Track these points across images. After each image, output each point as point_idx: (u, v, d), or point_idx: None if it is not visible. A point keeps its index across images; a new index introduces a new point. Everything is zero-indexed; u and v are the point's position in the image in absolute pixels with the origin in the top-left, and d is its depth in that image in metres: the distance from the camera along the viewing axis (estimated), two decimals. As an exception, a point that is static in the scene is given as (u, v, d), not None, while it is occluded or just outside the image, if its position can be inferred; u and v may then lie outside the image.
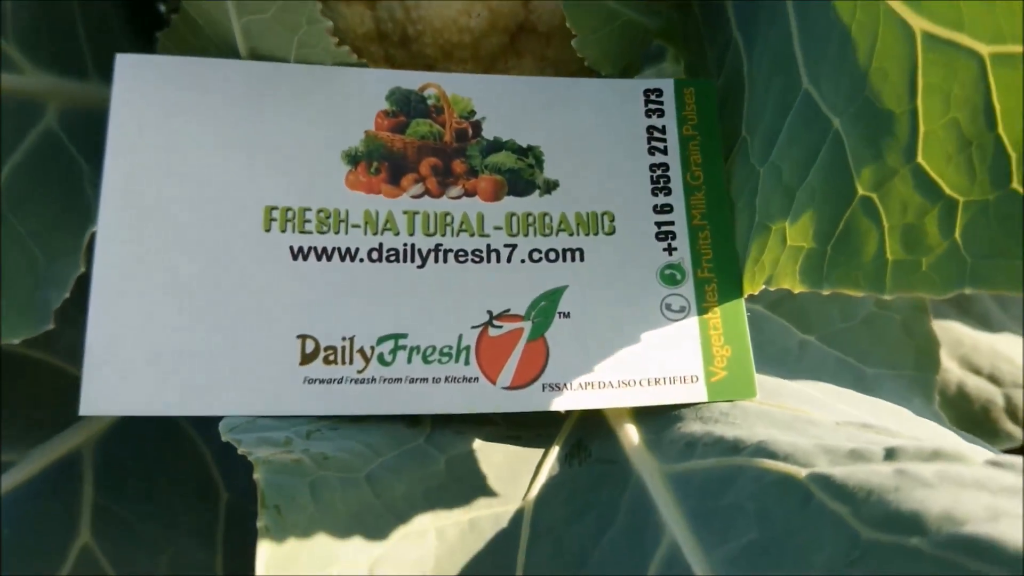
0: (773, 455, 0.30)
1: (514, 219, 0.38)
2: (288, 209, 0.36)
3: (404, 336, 0.36)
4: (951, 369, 0.58)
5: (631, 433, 0.36)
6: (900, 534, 0.24)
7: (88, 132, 0.41)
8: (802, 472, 0.28)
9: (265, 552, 0.29)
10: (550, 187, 0.39)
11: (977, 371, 0.59)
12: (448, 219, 0.38)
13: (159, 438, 0.45)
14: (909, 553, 0.23)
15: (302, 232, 0.36)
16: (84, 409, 0.34)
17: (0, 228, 0.37)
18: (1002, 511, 0.23)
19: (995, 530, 0.22)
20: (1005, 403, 0.57)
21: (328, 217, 0.37)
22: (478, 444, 0.36)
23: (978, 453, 0.27)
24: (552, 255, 0.37)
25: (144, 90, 0.37)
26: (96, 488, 0.43)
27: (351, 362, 0.35)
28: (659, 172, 0.39)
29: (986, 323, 0.62)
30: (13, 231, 0.38)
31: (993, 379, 0.58)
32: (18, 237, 0.38)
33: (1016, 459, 0.26)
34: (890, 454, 0.28)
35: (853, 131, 0.34)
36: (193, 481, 0.45)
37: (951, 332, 0.61)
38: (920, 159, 0.32)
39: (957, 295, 0.64)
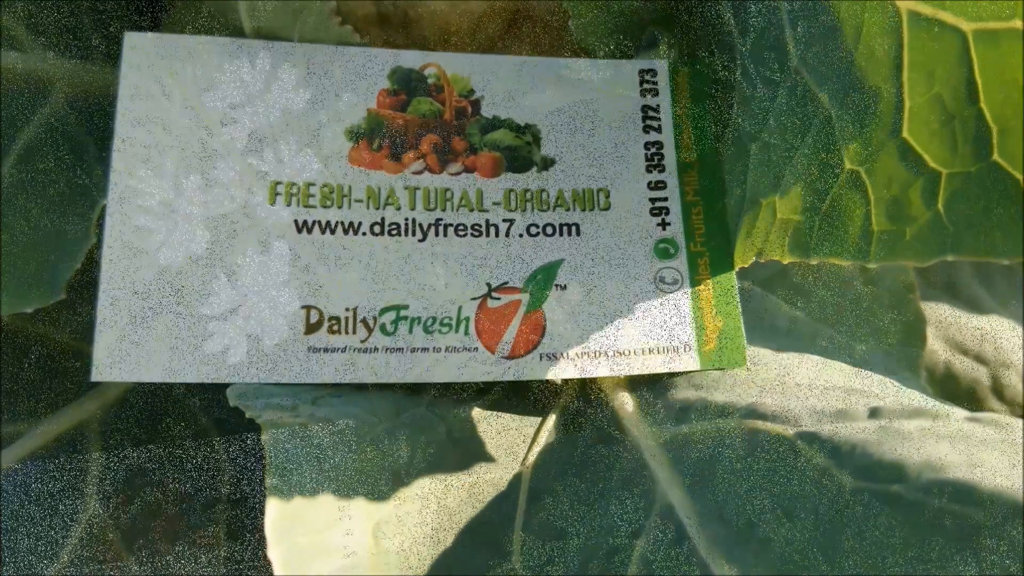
0: (763, 416, 0.31)
1: (512, 195, 0.39)
2: (293, 184, 0.37)
3: (405, 307, 0.37)
4: (939, 350, 0.60)
5: (626, 401, 0.37)
6: (883, 483, 0.25)
7: (95, 110, 0.42)
8: (790, 431, 0.30)
9: (273, 511, 0.31)
10: (547, 164, 0.40)
11: (964, 351, 0.60)
12: (448, 195, 0.39)
13: (163, 412, 0.46)
14: (891, 498, 0.24)
15: (306, 206, 0.37)
16: (95, 376, 0.35)
17: (13, 202, 0.38)
18: (978, 459, 0.24)
19: (972, 475, 0.23)
20: (992, 383, 0.59)
21: (332, 192, 0.38)
22: (478, 412, 0.37)
23: (958, 411, 0.28)
24: (549, 230, 0.38)
25: (152, 68, 0.38)
26: (103, 459, 0.44)
27: (354, 332, 0.36)
28: (653, 150, 0.40)
29: (975, 306, 0.63)
30: (25, 205, 0.38)
31: (980, 359, 0.59)
32: (29, 211, 0.39)
33: (993, 415, 0.27)
34: (874, 412, 0.29)
35: (841, 108, 0.35)
36: (196, 452, 0.46)
37: (940, 314, 0.62)
38: (905, 133, 0.33)
39: (946, 279, 0.65)
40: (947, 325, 0.61)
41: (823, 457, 0.27)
